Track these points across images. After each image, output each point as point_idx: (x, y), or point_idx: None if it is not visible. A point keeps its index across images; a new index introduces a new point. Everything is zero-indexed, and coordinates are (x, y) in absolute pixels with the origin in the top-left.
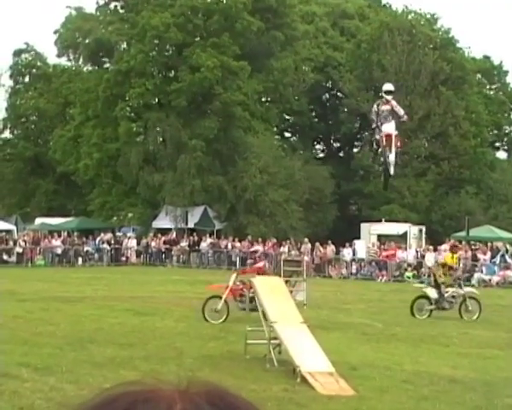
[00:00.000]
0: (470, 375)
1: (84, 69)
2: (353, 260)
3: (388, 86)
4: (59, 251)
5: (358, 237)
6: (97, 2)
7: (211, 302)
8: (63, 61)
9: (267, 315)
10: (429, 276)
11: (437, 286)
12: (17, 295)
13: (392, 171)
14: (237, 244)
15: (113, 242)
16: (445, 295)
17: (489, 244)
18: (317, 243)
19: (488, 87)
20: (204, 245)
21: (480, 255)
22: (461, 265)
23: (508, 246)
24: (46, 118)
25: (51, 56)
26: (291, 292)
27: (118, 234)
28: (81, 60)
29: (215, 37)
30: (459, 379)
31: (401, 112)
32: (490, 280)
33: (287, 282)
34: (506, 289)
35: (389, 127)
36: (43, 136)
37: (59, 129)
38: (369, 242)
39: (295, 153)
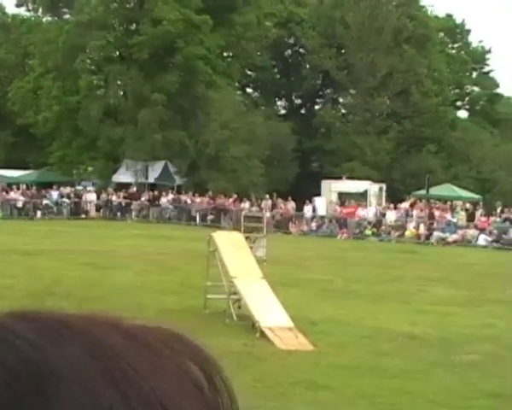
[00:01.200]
0: (429, 331)
1: (44, 20)
2: (314, 217)
3: None
4: (19, 204)
5: (319, 194)
6: None
7: None
8: (22, 11)
9: (227, 270)
10: (389, 234)
11: None
12: None
13: None
14: (197, 200)
15: (72, 195)
16: None
17: (449, 203)
18: (279, 200)
19: (450, 46)
20: (164, 200)
21: (438, 213)
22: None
23: (467, 205)
24: (5, 68)
25: (10, 6)
26: (251, 248)
27: (78, 188)
28: (40, 10)
29: None
30: (418, 335)
31: None
32: (448, 239)
33: (247, 238)
34: (465, 247)
35: None
36: (1, 87)
37: (18, 80)
38: (329, 199)
39: (257, 109)
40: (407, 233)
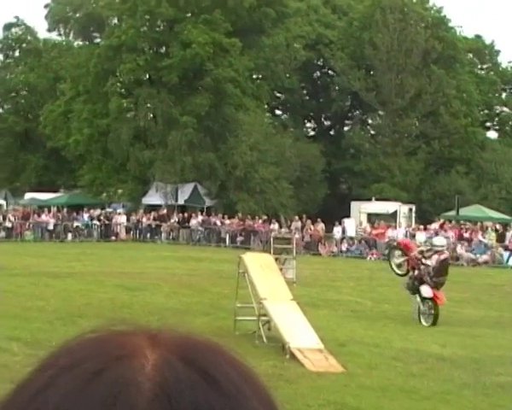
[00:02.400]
0: (459, 353)
1: (75, 44)
2: (343, 238)
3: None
4: (50, 227)
5: (348, 216)
6: None
7: None
8: (54, 35)
9: (257, 292)
10: None
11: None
12: (7, 270)
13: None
14: (227, 221)
15: (102, 217)
16: None
17: (478, 224)
18: (308, 221)
19: (479, 67)
20: (194, 222)
21: (468, 235)
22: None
23: (497, 226)
24: (36, 93)
25: (42, 31)
26: (281, 270)
27: (108, 210)
28: (72, 35)
29: (206, 13)
30: (448, 357)
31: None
32: (478, 259)
33: (276, 259)
34: (495, 268)
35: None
36: (33, 111)
37: (49, 104)
38: (358, 220)
39: (286, 130)
40: None
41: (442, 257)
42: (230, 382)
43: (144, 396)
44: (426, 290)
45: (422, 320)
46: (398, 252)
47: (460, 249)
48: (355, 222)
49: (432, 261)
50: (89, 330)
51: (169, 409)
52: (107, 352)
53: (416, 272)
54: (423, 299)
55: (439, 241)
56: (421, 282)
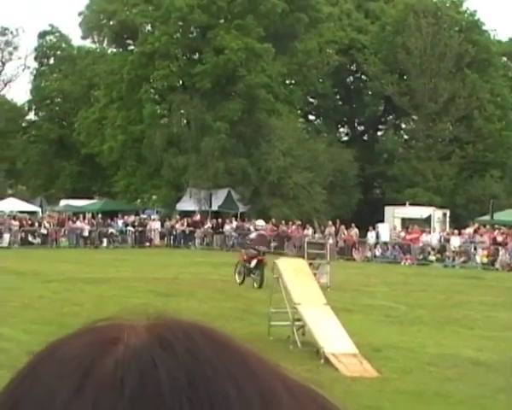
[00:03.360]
0: (494, 357)
1: (109, 51)
2: (377, 243)
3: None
4: (85, 233)
5: (382, 221)
6: None
7: None
8: (88, 42)
9: (291, 297)
10: (453, 259)
11: None
12: (42, 276)
13: None
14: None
15: (137, 224)
16: None
17: None
18: (342, 226)
19: None
20: (228, 228)
21: (503, 239)
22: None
23: None
24: (70, 100)
25: (76, 38)
26: (314, 275)
27: (142, 216)
28: (105, 42)
29: (239, 18)
30: (483, 361)
31: None
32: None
33: (310, 264)
34: None
35: None
36: (67, 118)
37: (83, 111)
38: (392, 225)
39: (319, 135)
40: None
41: (261, 233)
42: (214, 370)
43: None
44: (252, 263)
45: (255, 284)
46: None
47: (499, 254)
48: (389, 227)
49: (252, 235)
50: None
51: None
52: (98, 338)
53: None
54: (253, 269)
55: (260, 222)
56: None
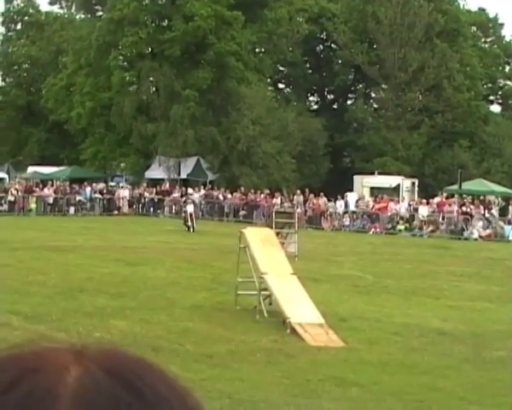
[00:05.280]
0: (460, 327)
1: (77, 17)
2: (346, 212)
3: None
4: (51, 200)
5: (351, 190)
6: None
7: None
8: (55, 8)
9: (257, 266)
10: (421, 229)
11: None
12: (8, 244)
13: None
14: (229, 195)
15: (105, 191)
16: None
17: (481, 197)
18: (311, 195)
19: (483, 40)
20: (196, 196)
21: (469, 209)
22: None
23: (500, 200)
24: (38, 66)
25: (43, 4)
26: (282, 244)
27: (110, 184)
28: (73, 7)
29: None
30: (448, 331)
31: None
32: (480, 234)
33: (278, 234)
34: (497, 242)
35: None
36: (35, 84)
37: (51, 77)
38: (361, 194)
39: (289, 104)
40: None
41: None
42: (157, 395)
43: (62, 406)
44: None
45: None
46: None
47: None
48: (357, 196)
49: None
50: (11, 345)
51: None
52: (24, 364)
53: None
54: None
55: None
56: None
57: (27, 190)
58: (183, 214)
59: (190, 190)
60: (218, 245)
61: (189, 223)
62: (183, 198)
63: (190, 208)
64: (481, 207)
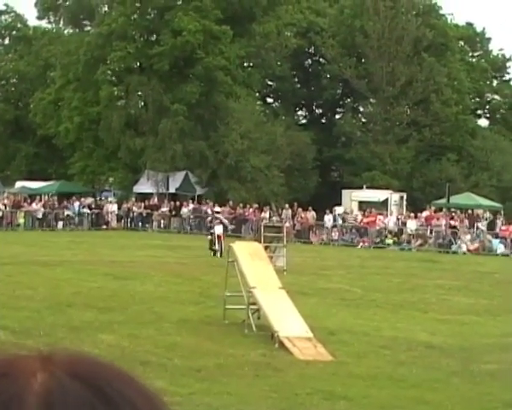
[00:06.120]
0: (448, 341)
1: (65, 32)
2: (334, 226)
3: None
4: (39, 215)
5: (340, 204)
6: None
7: None
8: (44, 23)
9: (246, 280)
10: (409, 242)
11: None
12: None
13: None
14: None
15: (93, 206)
16: None
17: (469, 211)
18: (299, 209)
19: (470, 54)
20: (185, 210)
21: (457, 223)
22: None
23: (488, 213)
24: (26, 80)
25: (31, 18)
26: (271, 258)
27: (99, 198)
28: (62, 22)
29: (197, 0)
30: (437, 345)
31: None
32: (468, 247)
33: (267, 248)
34: (486, 256)
35: None
36: (23, 98)
37: (39, 92)
38: (350, 208)
39: (277, 118)
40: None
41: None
42: (124, 399)
43: None
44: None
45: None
46: None
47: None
48: (343, 209)
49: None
50: None
51: None
52: None
53: None
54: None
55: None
56: None
57: (15, 204)
58: (209, 237)
59: (217, 208)
60: (207, 259)
61: (217, 247)
62: (209, 217)
63: (219, 230)
64: (466, 222)
